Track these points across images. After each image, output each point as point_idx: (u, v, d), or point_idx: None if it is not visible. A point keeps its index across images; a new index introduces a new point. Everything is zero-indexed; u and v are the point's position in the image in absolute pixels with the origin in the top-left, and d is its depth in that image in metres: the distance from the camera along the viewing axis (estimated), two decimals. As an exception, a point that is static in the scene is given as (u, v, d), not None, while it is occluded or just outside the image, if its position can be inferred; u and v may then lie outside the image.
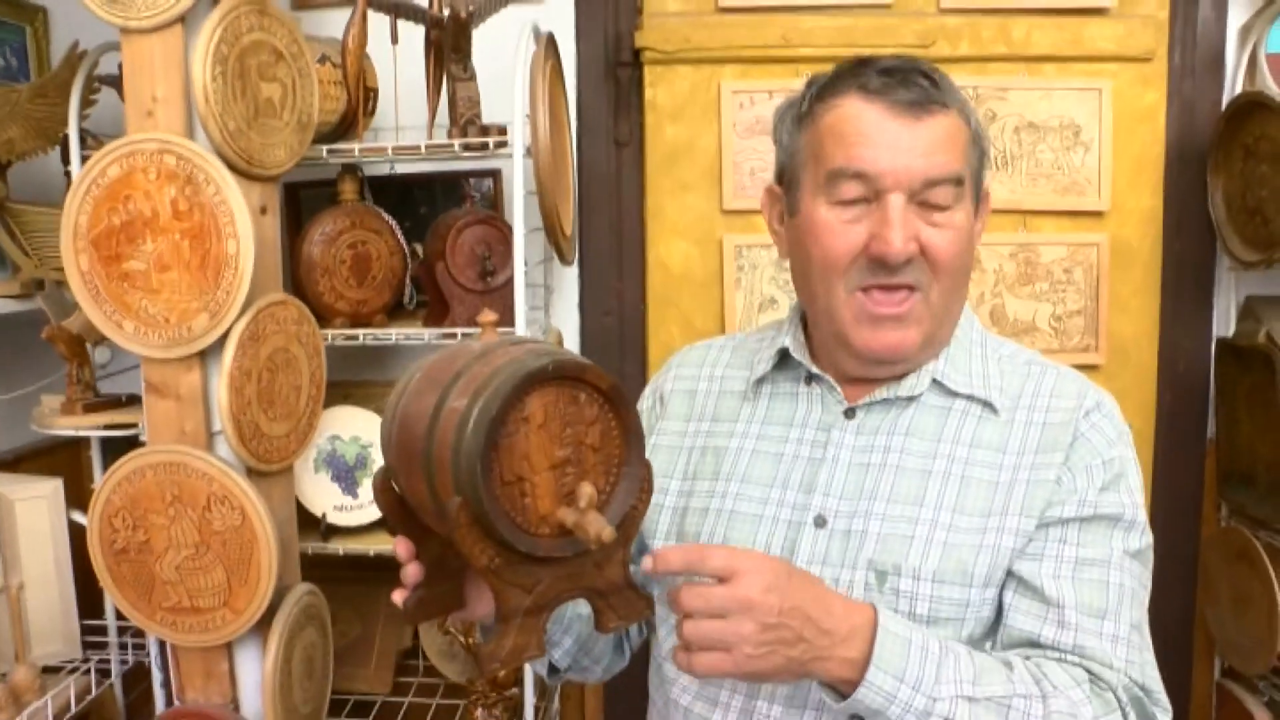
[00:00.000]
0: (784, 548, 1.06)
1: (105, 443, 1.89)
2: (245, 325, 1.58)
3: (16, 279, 1.86)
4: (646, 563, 0.91)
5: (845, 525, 1.05)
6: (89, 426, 1.75)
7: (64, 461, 1.95)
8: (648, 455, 1.18)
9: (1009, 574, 1.03)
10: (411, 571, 0.97)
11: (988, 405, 1.08)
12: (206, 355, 1.61)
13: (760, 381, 1.16)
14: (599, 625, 0.93)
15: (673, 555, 0.91)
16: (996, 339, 1.16)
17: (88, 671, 1.86)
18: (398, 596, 0.98)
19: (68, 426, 1.74)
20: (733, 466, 1.13)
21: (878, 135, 1.01)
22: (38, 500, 1.84)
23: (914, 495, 1.05)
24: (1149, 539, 1.07)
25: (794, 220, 1.10)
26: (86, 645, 1.95)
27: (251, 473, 1.65)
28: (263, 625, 1.67)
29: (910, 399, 1.09)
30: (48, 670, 1.91)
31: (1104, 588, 1.01)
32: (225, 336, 1.57)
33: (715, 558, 0.90)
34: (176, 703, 1.74)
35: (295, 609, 1.70)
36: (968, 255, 1.06)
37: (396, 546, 0.97)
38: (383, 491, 0.96)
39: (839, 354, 1.09)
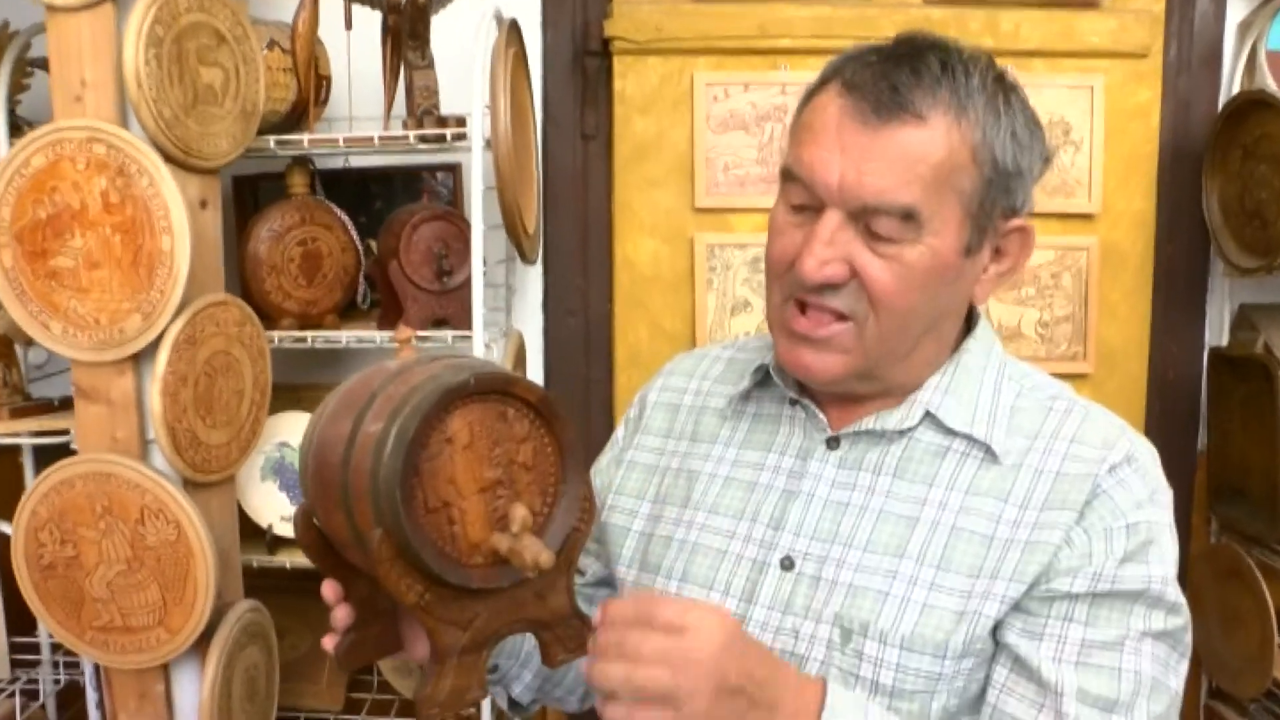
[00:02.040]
0: (744, 589, 0.99)
1: (38, 450, 1.82)
2: (181, 327, 1.52)
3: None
4: (597, 615, 0.84)
5: (814, 570, 0.96)
6: (16, 433, 1.68)
7: (-4, 470, 1.88)
8: (622, 471, 1.15)
9: (1001, 645, 0.92)
10: (340, 615, 0.91)
11: (988, 450, 0.96)
12: (140, 359, 1.54)
13: (745, 399, 1.09)
14: (545, 659, 0.87)
15: (623, 609, 0.82)
16: (1023, 368, 1.04)
17: (13, 694, 1.78)
18: (328, 643, 0.91)
19: (-10, 434, 1.67)
20: (703, 493, 1.06)
21: (827, 138, 0.90)
22: (-38, 511, 1.76)
23: (894, 544, 0.94)
24: (1183, 618, 0.93)
25: None
26: (16, 664, 1.88)
27: (189, 484, 1.59)
28: (201, 645, 1.61)
29: (901, 433, 0.98)
30: (-28, 690, 1.84)
31: (1114, 675, 0.89)
32: (160, 339, 1.51)
33: (665, 611, 0.81)
34: (108, 727, 1.68)
35: (236, 628, 1.64)
36: (921, 294, 0.92)
37: (323, 589, 0.91)
38: (304, 529, 0.90)
39: None
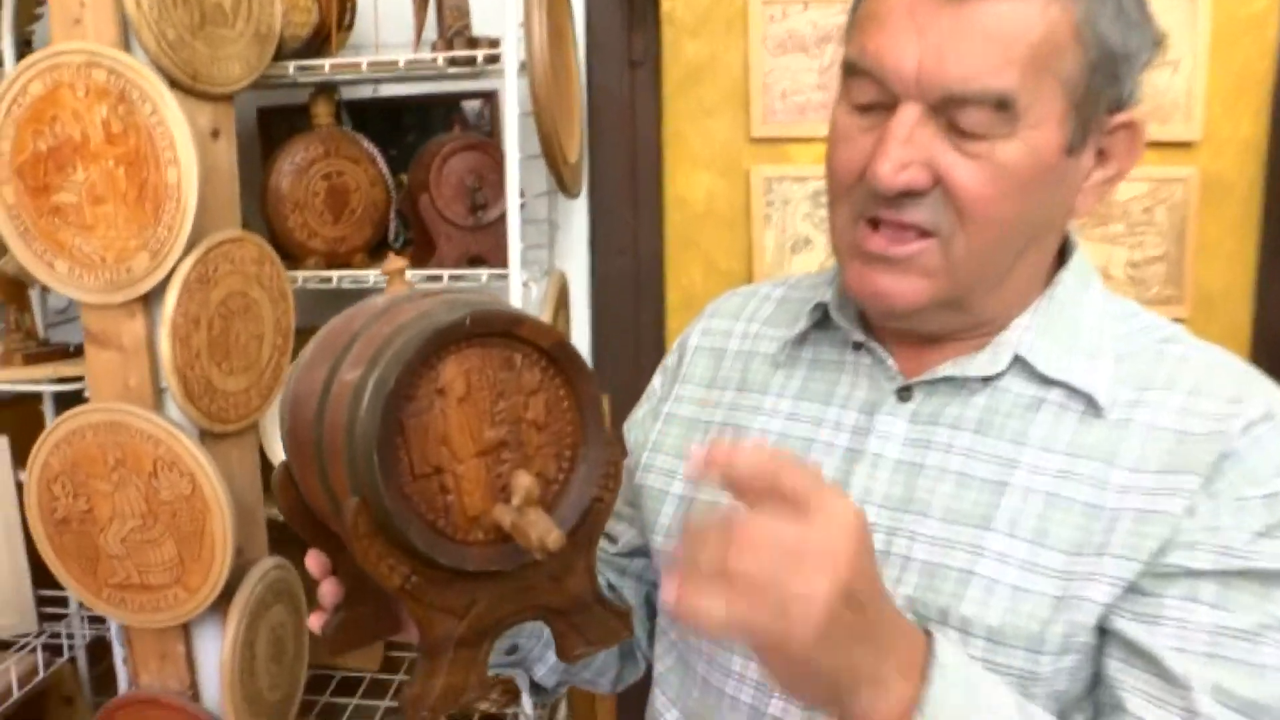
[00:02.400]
0: None
1: (59, 400, 1.74)
2: (192, 266, 1.41)
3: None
4: (692, 465, 0.63)
5: (883, 544, 0.82)
6: (29, 380, 1.60)
7: (15, 419, 1.80)
8: (659, 425, 1.01)
9: (1110, 634, 0.76)
10: (327, 590, 0.79)
11: (1089, 401, 0.80)
12: (150, 300, 1.44)
13: (799, 343, 0.94)
14: (561, 653, 0.75)
15: (735, 457, 0.61)
16: (1129, 305, 0.88)
17: (34, 649, 1.72)
18: (315, 622, 0.80)
19: (3, 380, 1.59)
20: None
21: (899, 20, 0.75)
22: (-19, 460, 1.70)
23: (978, 514, 0.79)
24: None
25: None
26: (44, 618, 1.82)
27: (206, 434, 1.50)
28: (222, 604, 1.53)
29: (985, 380, 0.83)
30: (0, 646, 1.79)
31: (1256, 673, 0.73)
32: (169, 279, 1.41)
33: (793, 477, 0.61)
34: (132, 687, 1.61)
35: (259, 586, 1.55)
36: (1017, 202, 0.77)
37: (307, 561, 0.80)
38: (283, 490, 0.79)
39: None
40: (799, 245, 2.02)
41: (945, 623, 0.78)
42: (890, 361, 0.88)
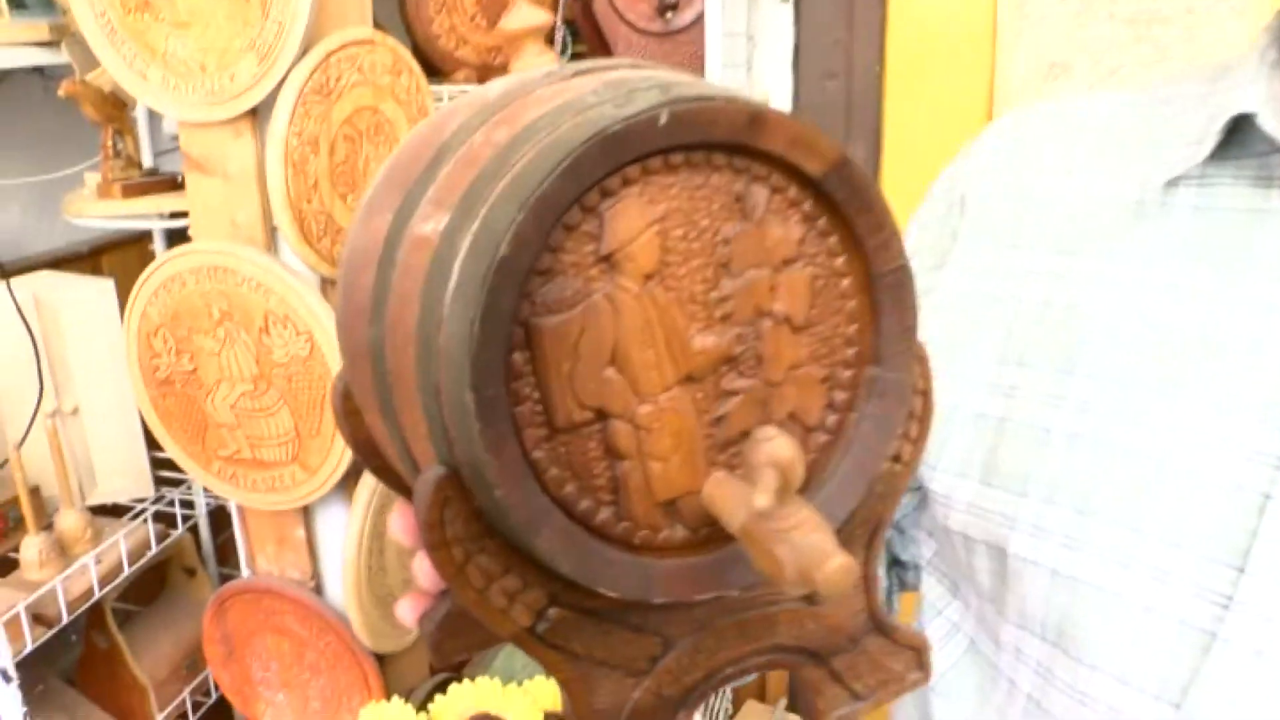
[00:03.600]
0: (1230, 545, 0.53)
1: (171, 239, 1.51)
2: (309, 73, 1.13)
3: (47, 19, 1.45)
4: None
5: None
6: (129, 215, 1.37)
7: (124, 261, 1.59)
8: (923, 310, 0.66)
9: None
10: (426, 568, 0.49)
11: None
12: (260, 117, 1.18)
13: (1175, 182, 0.60)
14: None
15: None
16: None
17: (143, 517, 1.54)
18: (407, 612, 0.48)
19: (99, 215, 1.35)
20: (1106, 350, 0.59)
21: None
22: (85, 305, 1.49)
23: None
24: None
25: None
26: (161, 482, 1.64)
27: (327, 283, 1.24)
28: (349, 486, 1.30)
29: None
30: (117, 510, 1.61)
31: None
32: (279, 88, 1.13)
33: None
34: (246, 571, 1.41)
35: (389, 468, 1.31)
36: None
37: (391, 521, 0.50)
38: (344, 419, 0.47)
39: None
40: (1057, 71, 1.62)
41: None
42: None
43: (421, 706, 1.32)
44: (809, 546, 0.31)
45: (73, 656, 1.65)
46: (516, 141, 0.34)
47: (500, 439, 0.33)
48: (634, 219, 0.34)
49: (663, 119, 0.33)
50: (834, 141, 0.36)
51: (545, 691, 1.26)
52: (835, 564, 0.30)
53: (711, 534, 0.37)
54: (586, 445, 0.35)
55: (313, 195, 1.18)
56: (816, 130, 0.35)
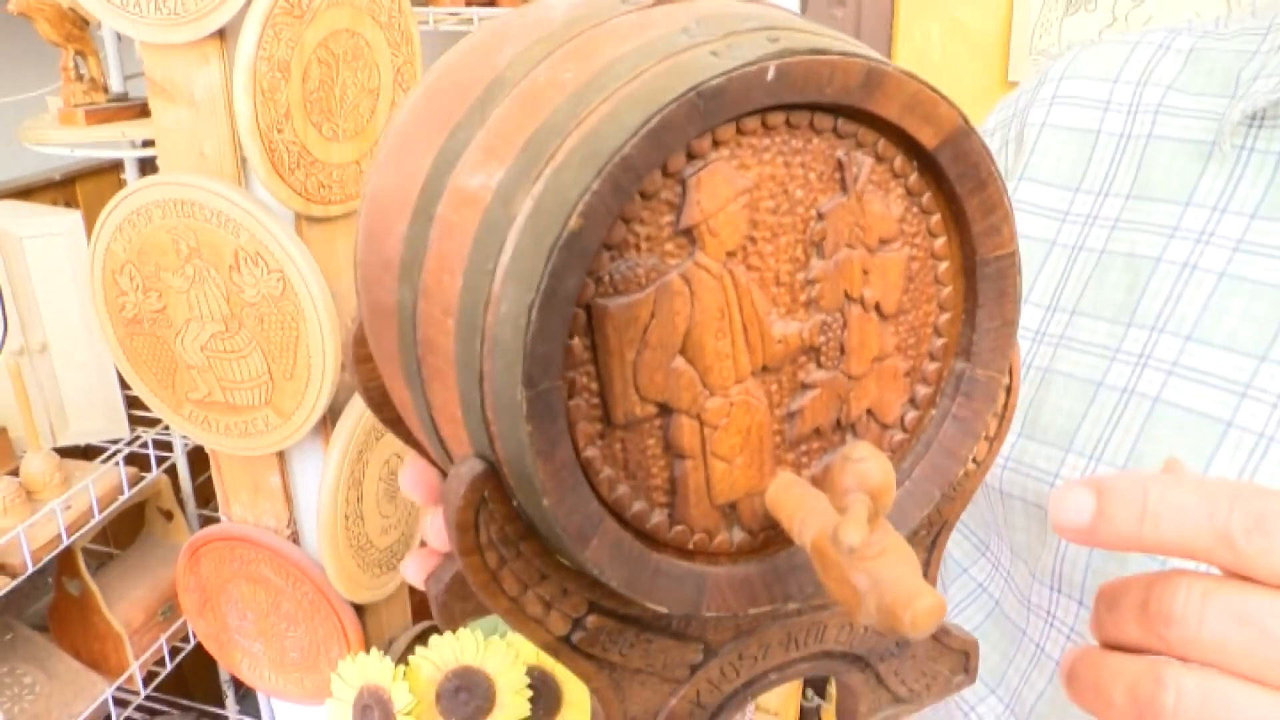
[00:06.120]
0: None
1: (145, 168, 1.45)
2: (278, -8, 1.07)
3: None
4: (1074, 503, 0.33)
5: None
6: (92, 142, 1.31)
7: (95, 191, 1.53)
8: None
9: None
10: (436, 530, 0.45)
11: None
12: (228, 39, 1.11)
13: (1257, 120, 0.55)
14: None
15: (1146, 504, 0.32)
16: None
17: (115, 459, 1.50)
18: (413, 570, 0.45)
19: (61, 143, 1.29)
20: (1169, 303, 0.55)
21: None
22: (52, 238, 1.44)
23: None
24: None
25: None
26: (137, 421, 1.60)
27: (303, 218, 1.19)
28: (324, 431, 1.26)
29: None
30: (91, 451, 1.57)
31: None
32: (248, 7, 1.07)
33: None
34: (223, 518, 1.37)
35: (367, 413, 1.27)
36: None
37: (402, 475, 0.45)
38: (357, 359, 0.43)
39: None
40: (1076, 4, 1.55)
41: None
42: None
43: (402, 658, 1.29)
44: (894, 581, 0.26)
45: (45, 603, 1.62)
46: (590, 86, 0.29)
47: (552, 443, 0.29)
48: (721, 188, 0.30)
49: (770, 74, 0.28)
50: (954, 107, 0.31)
51: (528, 644, 1.22)
52: (925, 605, 0.26)
53: (771, 537, 0.33)
54: (645, 443, 0.31)
55: (284, 125, 1.12)
56: (936, 93, 0.31)
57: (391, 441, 1.33)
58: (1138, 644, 0.33)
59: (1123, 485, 0.32)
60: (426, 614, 1.48)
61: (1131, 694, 0.32)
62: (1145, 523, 0.32)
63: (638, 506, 0.31)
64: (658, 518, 0.32)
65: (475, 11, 1.36)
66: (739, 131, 0.29)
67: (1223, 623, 0.31)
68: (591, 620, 0.33)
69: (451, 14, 1.38)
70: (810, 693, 1.95)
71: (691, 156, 0.29)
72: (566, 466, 0.29)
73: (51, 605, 1.57)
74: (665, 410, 0.31)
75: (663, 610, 0.32)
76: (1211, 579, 0.32)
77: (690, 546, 0.32)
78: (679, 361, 0.30)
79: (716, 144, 0.29)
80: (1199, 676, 0.31)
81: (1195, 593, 0.31)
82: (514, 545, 0.31)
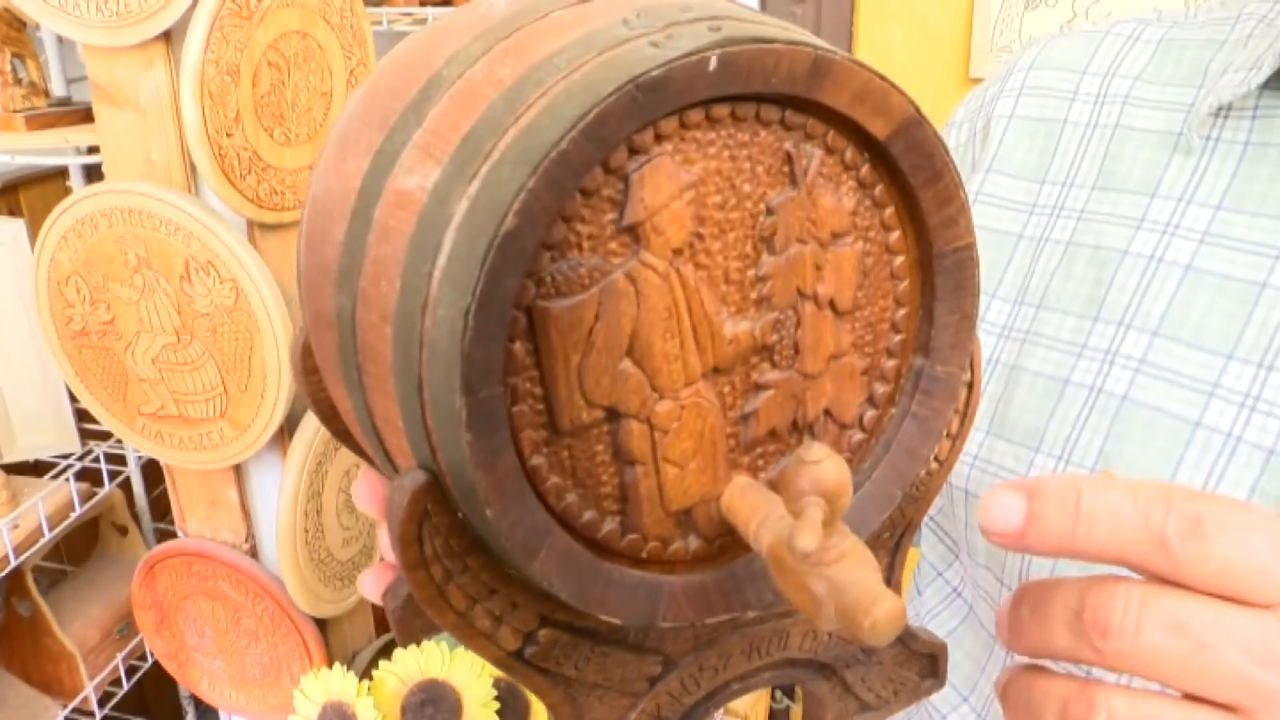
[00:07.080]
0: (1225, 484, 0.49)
1: (91, 174, 1.41)
2: (225, -7, 1.04)
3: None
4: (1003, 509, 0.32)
5: None
6: (37, 150, 1.27)
7: (39, 199, 1.49)
8: None
9: None
10: (387, 541, 0.44)
11: None
12: (174, 41, 1.08)
13: (1226, 113, 0.55)
14: None
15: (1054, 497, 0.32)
16: None
17: (66, 475, 1.46)
18: (369, 586, 0.43)
19: (0, 150, 1.25)
20: (1136, 296, 0.54)
21: None
22: (-6, 248, 1.40)
23: None
24: None
25: None
26: (88, 435, 1.56)
27: (256, 226, 1.16)
28: (281, 443, 1.23)
29: None
30: (40, 467, 1.53)
31: None
32: (194, 9, 1.04)
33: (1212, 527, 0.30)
34: (179, 533, 1.34)
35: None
36: None
37: (355, 490, 0.44)
38: (305, 371, 0.41)
39: None
40: (1035, 1, 1.54)
41: None
42: None
43: (366, 672, 1.27)
44: (852, 585, 0.26)
45: (-7, 625, 1.58)
46: (527, 82, 0.28)
47: (494, 452, 0.28)
48: (665, 183, 0.29)
49: (712, 64, 0.27)
50: (905, 96, 0.30)
51: (495, 659, 1.20)
52: (884, 609, 0.25)
53: (727, 543, 0.33)
54: (593, 449, 0.30)
55: (234, 129, 1.09)
56: (887, 82, 0.30)
57: (348, 454, 1.31)
58: (1067, 653, 0.32)
59: (1054, 487, 0.32)
60: (411, 642, 1.46)
61: (1062, 716, 0.32)
62: (1079, 527, 0.31)
63: (588, 516, 0.30)
64: (609, 526, 0.31)
65: (430, 11, 1.34)
66: (682, 125, 0.29)
67: (1158, 633, 0.30)
68: (544, 634, 0.33)
69: (405, 14, 1.36)
70: (779, 694, 1.94)
71: (634, 152, 0.28)
72: (510, 476, 0.28)
73: (1, 628, 1.53)
74: (613, 415, 0.30)
75: (617, 622, 0.31)
76: (1148, 585, 0.31)
77: (644, 555, 0.32)
78: (626, 364, 0.29)
79: (659, 138, 0.28)
80: (1128, 698, 0.31)
81: (1134, 601, 0.30)
82: (460, 559, 0.30)
